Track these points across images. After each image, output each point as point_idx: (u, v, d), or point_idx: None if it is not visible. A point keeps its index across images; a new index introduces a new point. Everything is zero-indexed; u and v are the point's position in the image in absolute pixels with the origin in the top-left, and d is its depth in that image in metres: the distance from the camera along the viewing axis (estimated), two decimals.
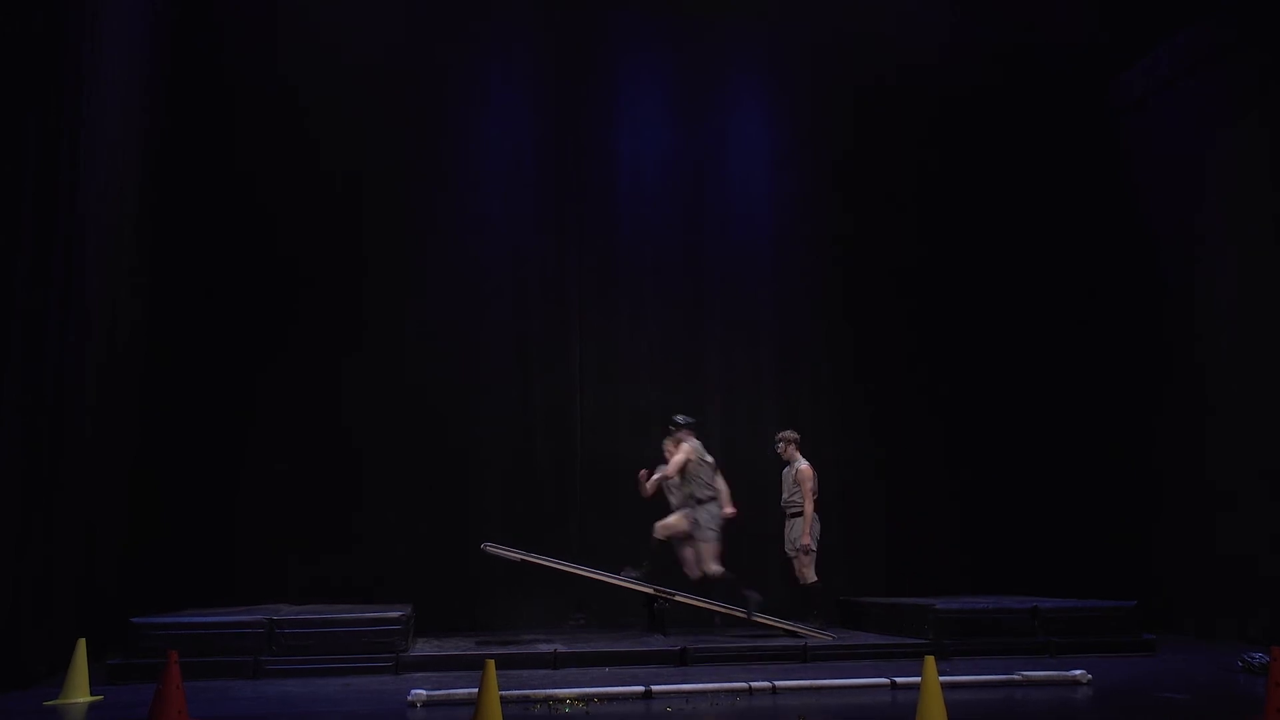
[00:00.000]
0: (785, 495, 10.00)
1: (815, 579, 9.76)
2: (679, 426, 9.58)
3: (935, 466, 11.69)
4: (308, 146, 10.73)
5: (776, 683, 7.08)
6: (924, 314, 11.98)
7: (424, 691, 6.62)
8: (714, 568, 9.32)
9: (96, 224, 8.34)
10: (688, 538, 9.44)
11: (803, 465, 9.89)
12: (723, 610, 9.41)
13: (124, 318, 9.15)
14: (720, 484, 9.61)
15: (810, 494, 9.72)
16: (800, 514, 9.79)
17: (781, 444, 10.05)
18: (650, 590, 9.36)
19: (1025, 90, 12.15)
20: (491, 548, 8.95)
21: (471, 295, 11.10)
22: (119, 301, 9.02)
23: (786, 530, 9.95)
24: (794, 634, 9.12)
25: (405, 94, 11.12)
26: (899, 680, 7.08)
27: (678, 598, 9.39)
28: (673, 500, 9.51)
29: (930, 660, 5.73)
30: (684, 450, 9.43)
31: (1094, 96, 12.08)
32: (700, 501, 9.38)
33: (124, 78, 8.97)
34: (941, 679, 5.75)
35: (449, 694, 6.64)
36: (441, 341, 10.95)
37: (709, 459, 9.53)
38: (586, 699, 6.60)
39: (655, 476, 9.47)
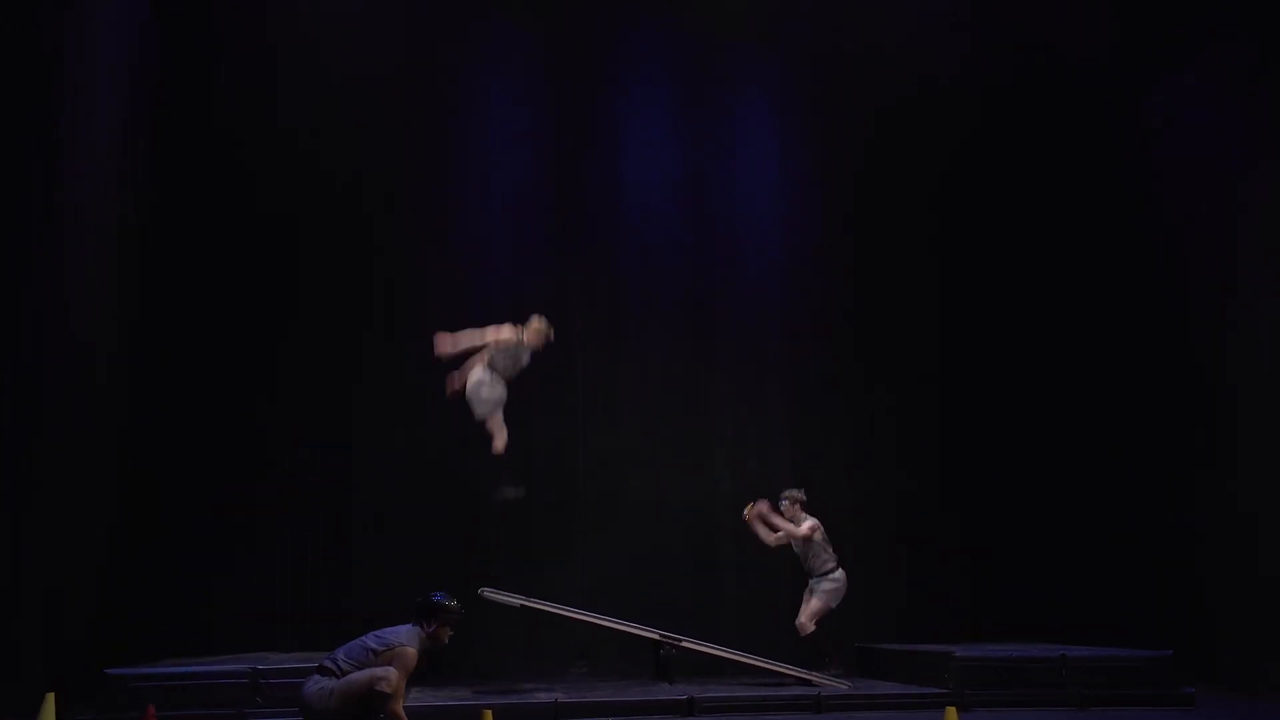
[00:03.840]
0: (803, 562, 9.49)
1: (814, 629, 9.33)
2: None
3: (956, 504, 11.26)
4: (304, 160, 10.47)
5: None
6: (943, 343, 11.61)
7: None
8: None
9: (86, 234, 8.19)
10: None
11: (804, 527, 9.31)
12: (734, 657, 9.07)
13: (108, 339, 8.87)
14: None
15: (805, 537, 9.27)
16: (825, 575, 9.32)
17: (787, 503, 9.47)
18: (656, 636, 9.03)
19: (1048, 107, 11.77)
20: (489, 593, 8.64)
21: (471, 324, 10.84)
22: (104, 322, 8.78)
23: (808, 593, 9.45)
24: (810, 682, 8.76)
25: (403, 112, 10.85)
26: None
27: (684, 644, 9.07)
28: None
29: (951, 711, 5.54)
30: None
31: (1122, 111, 11.68)
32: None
33: (116, 81, 8.89)
34: None
35: None
36: (438, 377, 10.64)
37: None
38: None
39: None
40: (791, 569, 9.81)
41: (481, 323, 10.66)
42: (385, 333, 10.66)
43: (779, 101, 11.86)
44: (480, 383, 8.56)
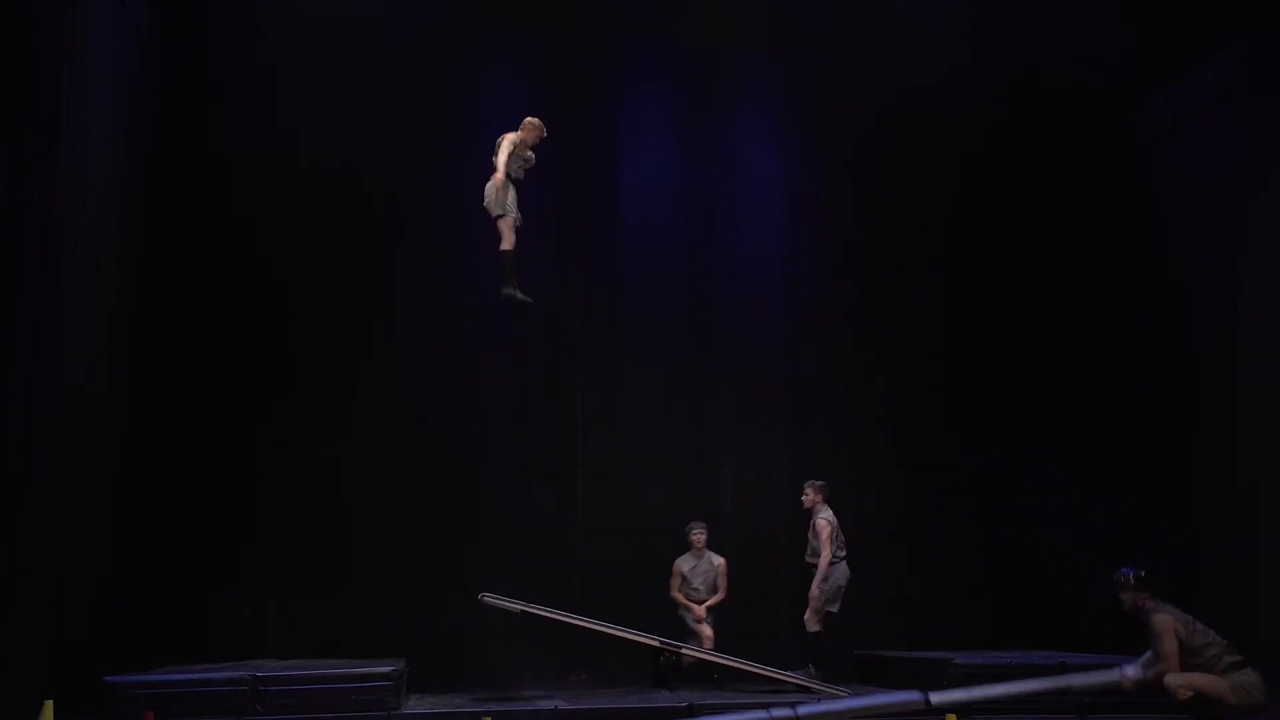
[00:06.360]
0: (808, 551, 9.62)
1: (818, 630, 9.40)
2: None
3: (957, 514, 11.27)
4: (302, 167, 10.48)
5: None
6: (945, 354, 11.61)
7: None
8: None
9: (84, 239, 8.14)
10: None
11: (820, 519, 9.50)
12: (731, 664, 9.04)
13: (105, 347, 8.85)
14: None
15: (827, 543, 9.35)
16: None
17: (810, 491, 9.66)
18: (656, 644, 9.00)
19: (1049, 118, 11.77)
20: (489, 598, 8.60)
21: (470, 336, 10.80)
22: (101, 329, 8.75)
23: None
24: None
25: (402, 119, 10.87)
26: None
27: (685, 651, 9.04)
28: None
29: (952, 719, 5.44)
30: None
31: (1123, 123, 11.69)
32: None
33: (107, 102, 8.80)
34: None
35: None
36: (437, 385, 10.65)
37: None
38: None
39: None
40: (792, 576, 9.76)
41: (481, 328, 10.76)
42: (384, 339, 10.61)
43: (780, 111, 11.87)
44: (495, 186, 8.95)
